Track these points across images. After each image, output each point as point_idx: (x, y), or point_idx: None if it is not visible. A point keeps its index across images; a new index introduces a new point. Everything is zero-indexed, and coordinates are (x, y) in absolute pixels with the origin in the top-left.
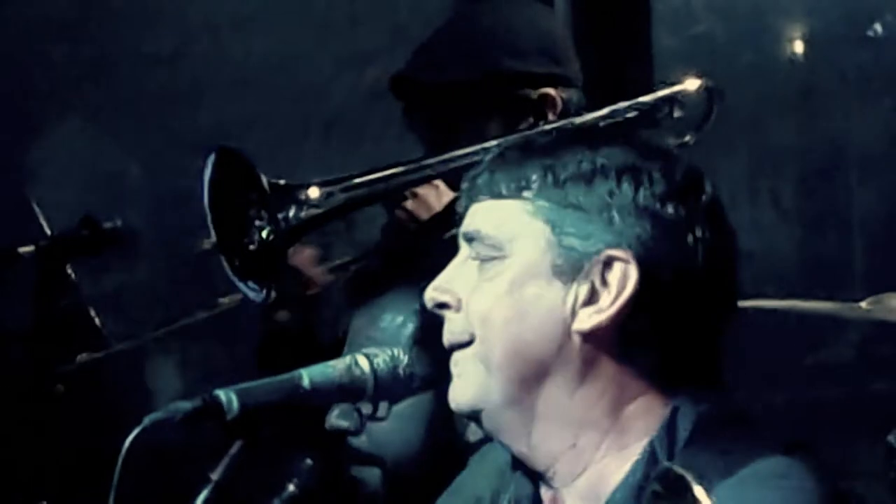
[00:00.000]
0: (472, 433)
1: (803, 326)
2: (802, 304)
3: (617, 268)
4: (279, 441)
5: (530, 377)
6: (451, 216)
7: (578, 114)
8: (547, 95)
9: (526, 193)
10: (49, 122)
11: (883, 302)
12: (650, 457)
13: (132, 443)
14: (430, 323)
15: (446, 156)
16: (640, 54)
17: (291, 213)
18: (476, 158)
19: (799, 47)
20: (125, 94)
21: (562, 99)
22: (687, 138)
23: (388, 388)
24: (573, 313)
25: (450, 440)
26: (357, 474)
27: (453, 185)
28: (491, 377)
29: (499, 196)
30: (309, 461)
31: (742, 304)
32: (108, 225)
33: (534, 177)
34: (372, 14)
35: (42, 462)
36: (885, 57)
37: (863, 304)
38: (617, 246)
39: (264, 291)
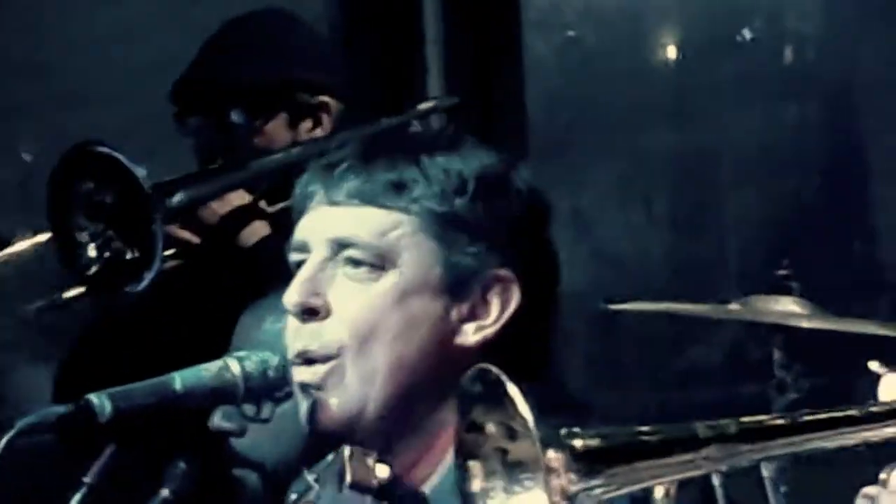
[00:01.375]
0: None
1: (674, 329)
2: (673, 306)
3: (499, 286)
4: (156, 445)
5: (409, 388)
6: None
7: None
8: (324, 102)
9: (412, 205)
10: None
11: (751, 303)
12: None
13: (5, 446)
14: None
15: (268, 160)
16: (511, 60)
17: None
18: (290, 160)
19: (671, 53)
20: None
21: (336, 108)
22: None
23: (258, 390)
24: (457, 329)
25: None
26: (238, 474)
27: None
28: (370, 390)
29: (374, 203)
30: (182, 465)
31: (616, 307)
32: None
33: (417, 187)
34: None
35: None
36: (754, 62)
37: (732, 306)
38: (501, 266)
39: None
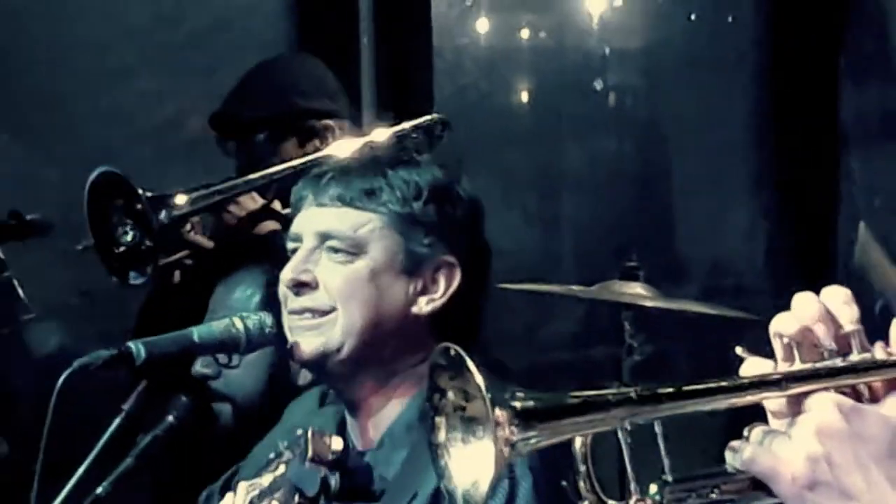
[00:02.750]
0: (302, 378)
1: (544, 305)
2: (549, 287)
3: (446, 269)
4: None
5: (375, 342)
6: (263, 216)
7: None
8: (328, 125)
9: (380, 207)
10: None
11: (608, 286)
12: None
13: (65, 380)
14: (273, 296)
15: (263, 172)
16: (424, 99)
17: (162, 215)
18: (285, 174)
19: (526, 96)
20: (58, 119)
21: (338, 129)
22: (424, 156)
23: (256, 342)
24: (413, 300)
25: (285, 383)
26: (215, 410)
27: (262, 193)
28: (347, 337)
29: (352, 205)
30: (185, 398)
31: (498, 286)
32: (30, 217)
33: (384, 194)
34: (223, 60)
35: None
36: (602, 106)
37: (592, 288)
38: (447, 253)
39: (144, 277)
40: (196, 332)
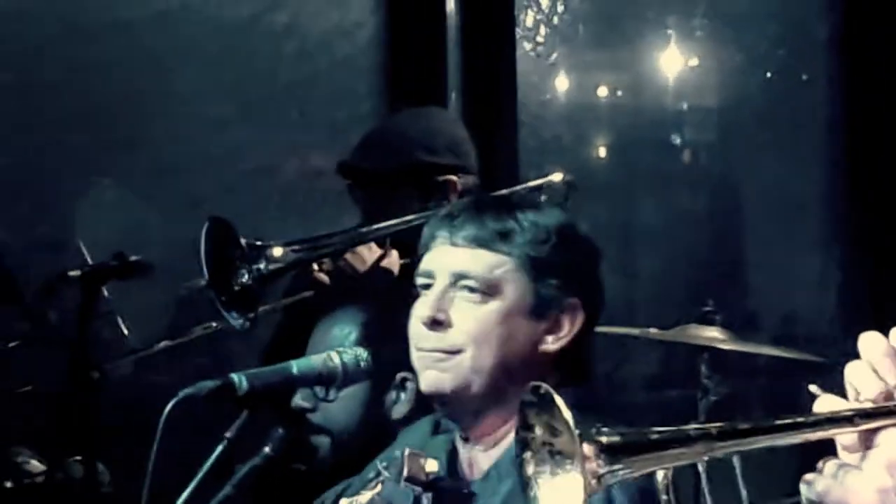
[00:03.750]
0: (397, 412)
1: (618, 348)
2: (622, 329)
3: (570, 311)
4: (268, 414)
5: (504, 382)
6: (378, 267)
7: (472, 193)
8: (449, 180)
9: (514, 250)
10: (90, 180)
11: (685, 329)
12: None
13: (170, 410)
14: (368, 334)
15: (378, 226)
16: (509, 151)
17: (263, 265)
18: (398, 229)
19: (604, 151)
20: (159, 165)
21: (462, 183)
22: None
23: (352, 375)
24: (540, 339)
25: (378, 417)
26: (313, 442)
27: (381, 244)
28: (476, 376)
29: (487, 246)
30: (281, 430)
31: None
32: (133, 258)
33: (517, 236)
34: (316, 113)
35: (85, 429)
36: (678, 161)
37: (671, 331)
38: (573, 295)
39: (244, 321)
40: (295, 365)
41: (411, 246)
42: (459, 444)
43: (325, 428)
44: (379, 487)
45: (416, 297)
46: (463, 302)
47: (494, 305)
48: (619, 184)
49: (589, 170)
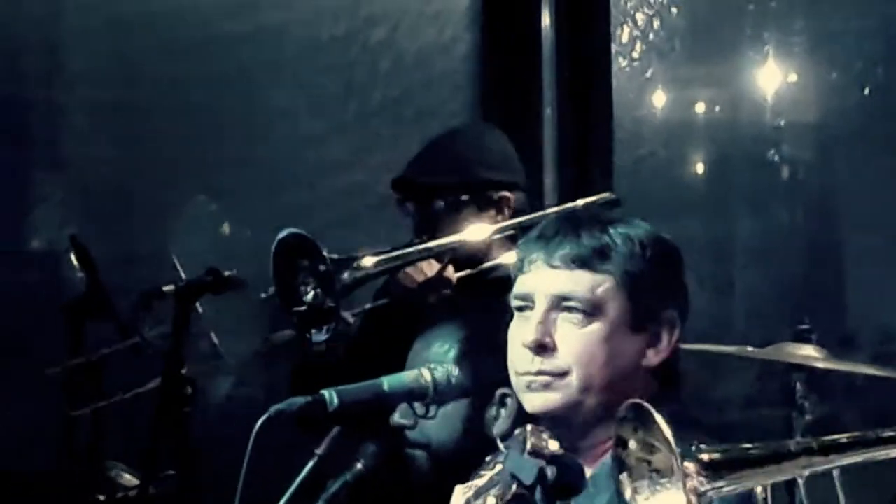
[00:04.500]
0: (496, 429)
1: (712, 366)
2: (717, 347)
3: (668, 323)
4: (359, 430)
5: (609, 396)
6: (439, 280)
7: (523, 211)
8: (505, 197)
9: (612, 267)
10: (186, 196)
11: (781, 348)
12: None
13: (261, 425)
14: (468, 350)
15: (441, 241)
16: (604, 167)
17: (346, 275)
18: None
19: (701, 168)
20: (253, 181)
21: (515, 199)
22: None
23: (443, 393)
24: (643, 354)
25: (478, 434)
26: (411, 457)
27: (439, 259)
28: (584, 396)
29: (585, 267)
30: (373, 447)
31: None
32: (227, 274)
33: (614, 254)
34: (411, 128)
35: (178, 443)
36: (775, 177)
37: (768, 350)
38: (669, 308)
39: (325, 334)
40: (386, 382)
41: (464, 260)
42: None
43: (423, 444)
44: (498, 467)
45: (511, 314)
46: (566, 324)
47: (598, 325)
48: (716, 200)
49: (686, 186)
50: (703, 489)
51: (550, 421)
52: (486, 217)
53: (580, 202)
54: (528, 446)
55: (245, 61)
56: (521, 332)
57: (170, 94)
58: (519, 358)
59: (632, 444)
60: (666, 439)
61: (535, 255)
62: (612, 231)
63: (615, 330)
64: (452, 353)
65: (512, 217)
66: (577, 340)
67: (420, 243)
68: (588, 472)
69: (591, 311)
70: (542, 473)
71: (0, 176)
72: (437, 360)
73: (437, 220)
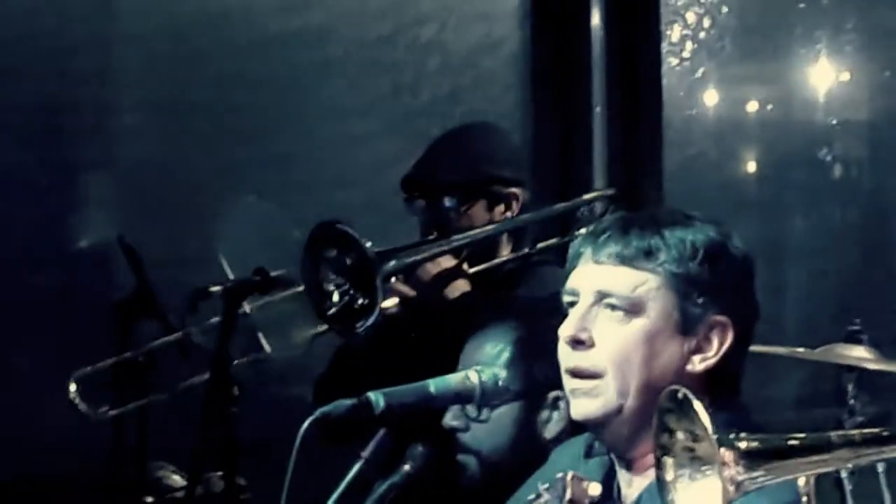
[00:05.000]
0: (548, 432)
1: (762, 367)
2: (767, 348)
3: (719, 328)
4: (406, 432)
5: (651, 400)
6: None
7: (529, 207)
8: (513, 193)
9: (658, 267)
10: (231, 197)
11: (832, 349)
12: None
13: (307, 428)
14: (521, 352)
15: (464, 235)
16: (654, 167)
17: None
18: (476, 238)
19: (753, 166)
20: (301, 181)
21: (522, 196)
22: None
23: (490, 395)
24: (687, 359)
25: (530, 437)
26: (461, 460)
27: (456, 255)
28: (623, 400)
29: (630, 264)
30: (421, 448)
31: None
32: (274, 274)
33: (661, 254)
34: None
35: (225, 444)
36: (828, 176)
37: (819, 350)
38: (720, 313)
39: (361, 328)
40: (433, 384)
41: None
42: (618, 467)
43: (473, 447)
44: None
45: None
46: (606, 320)
47: (638, 324)
48: (767, 200)
49: (737, 185)
50: (740, 478)
51: (594, 429)
52: (496, 213)
53: (585, 197)
54: (567, 495)
55: (293, 61)
56: (563, 328)
57: (219, 94)
58: (562, 353)
59: (678, 434)
60: (704, 427)
61: (584, 250)
62: (665, 232)
63: (656, 331)
64: (505, 355)
65: (520, 213)
66: (614, 337)
67: (434, 240)
68: (642, 483)
69: (632, 309)
70: None
71: (51, 175)
72: (489, 361)
73: (446, 218)
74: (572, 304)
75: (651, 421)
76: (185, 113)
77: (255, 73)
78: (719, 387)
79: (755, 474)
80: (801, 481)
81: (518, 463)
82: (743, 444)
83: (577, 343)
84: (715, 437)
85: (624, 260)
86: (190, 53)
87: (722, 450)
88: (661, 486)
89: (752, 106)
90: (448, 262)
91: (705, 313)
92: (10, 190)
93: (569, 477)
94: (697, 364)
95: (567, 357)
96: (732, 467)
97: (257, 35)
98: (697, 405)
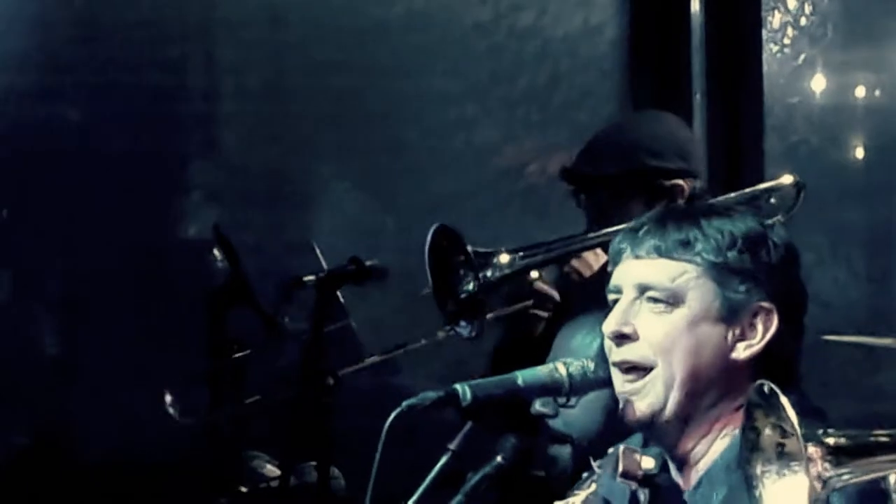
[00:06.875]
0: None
1: (867, 358)
2: (871, 339)
3: (763, 314)
4: (496, 424)
5: (697, 393)
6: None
7: (700, 197)
8: (677, 185)
9: (695, 258)
10: (327, 185)
11: None
12: None
13: (393, 420)
14: None
15: (601, 232)
16: (755, 155)
17: (490, 272)
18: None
19: (860, 153)
20: (399, 168)
21: (688, 187)
22: (779, 218)
23: (578, 386)
24: (732, 347)
25: (620, 421)
26: (552, 454)
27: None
28: (670, 394)
29: (668, 256)
30: (513, 440)
31: (826, 338)
32: (369, 263)
33: (699, 244)
34: (558, 115)
35: (320, 434)
36: None
37: None
38: (764, 299)
39: (472, 329)
40: (520, 376)
41: None
42: (669, 460)
43: (564, 435)
44: (593, 487)
45: None
46: (648, 313)
47: (680, 314)
48: (874, 187)
49: (841, 173)
50: (827, 475)
51: (644, 430)
52: (658, 206)
53: (760, 186)
54: (620, 468)
55: (392, 48)
56: (605, 324)
57: (319, 81)
58: (607, 349)
59: (767, 430)
60: (791, 422)
61: (624, 246)
62: (703, 223)
63: (698, 320)
64: (596, 345)
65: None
66: (658, 329)
67: (569, 237)
68: (698, 471)
69: (672, 299)
70: (633, 498)
71: (152, 164)
72: (581, 351)
73: (604, 211)
74: (616, 301)
75: (695, 412)
76: (285, 100)
77: (355, 59)
78: (772, 374)
79: (842, 470)
80: (893, 478)
81: (605, 451)
82: (831, 441)
83: (620, 337)
84: (801, 432)
85: (662, 252)
86: (291, 41)
87: (809, 446)
88: (748, 479)
89: (860, 91)
90: (596, 258)
91: (749, 301)
92: (112, 179)
93: (620, 450)
94: (742, 351)
95: (614, 353)
96: (819, 464)
97: (357, 21)
98: (784, 400)
